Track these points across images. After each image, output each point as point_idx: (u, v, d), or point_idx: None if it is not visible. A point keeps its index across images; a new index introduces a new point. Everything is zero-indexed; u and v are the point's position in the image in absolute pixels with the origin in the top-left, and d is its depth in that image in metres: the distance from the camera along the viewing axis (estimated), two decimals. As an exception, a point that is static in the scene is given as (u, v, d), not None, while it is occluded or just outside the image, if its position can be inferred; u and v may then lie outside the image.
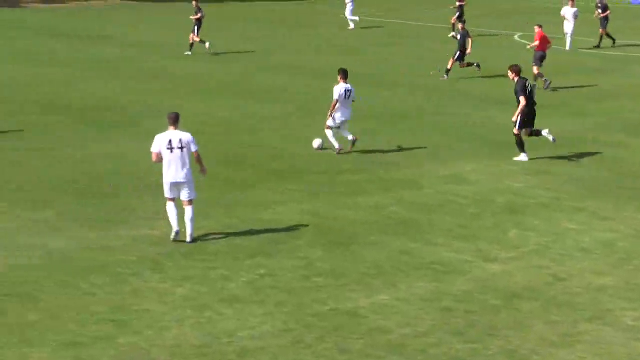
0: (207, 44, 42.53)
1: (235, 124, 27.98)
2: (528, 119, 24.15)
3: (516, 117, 24.08)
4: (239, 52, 43.81)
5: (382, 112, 30.16)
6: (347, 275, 16.00)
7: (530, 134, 24.45)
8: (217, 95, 32.60)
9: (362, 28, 54.41)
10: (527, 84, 24.20)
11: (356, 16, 55.27)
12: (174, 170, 17.49)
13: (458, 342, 13.44)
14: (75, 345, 13.08)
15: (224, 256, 16.83)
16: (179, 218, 17.61)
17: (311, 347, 13.22)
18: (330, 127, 24.75)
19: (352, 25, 54.90)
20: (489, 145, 26.06)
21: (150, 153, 17.67)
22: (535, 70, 34.88)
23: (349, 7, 55.38)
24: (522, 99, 23.90)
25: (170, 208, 17.67)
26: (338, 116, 24.59)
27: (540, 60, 35.30)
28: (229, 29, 54.22)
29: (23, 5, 67.64)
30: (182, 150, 17.44)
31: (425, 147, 25.52)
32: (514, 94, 24.26)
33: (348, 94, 24.50)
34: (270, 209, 19.73)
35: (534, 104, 24.25)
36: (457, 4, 51.73)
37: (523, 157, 24.36)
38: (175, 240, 17.48)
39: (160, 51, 43.86)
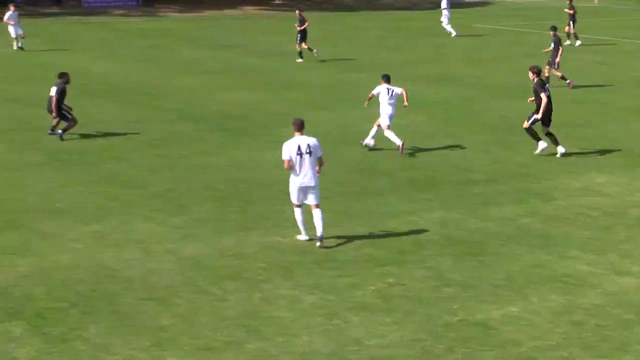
0: (315, 51, 43.28)
1: (366, 133, 28.04)
2: (548, 117, 25.10)
3: (541, 115, 24.79)
4: (373, 61, 43.92)
5: (516, 124, 29.88)
6: (477, 286, 15.91)
7: (547, 134, 25.25)
8: (348, 105, 32.71)
9: (488, 36, 53.98)
10: (546, 84, 25.20)
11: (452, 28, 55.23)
12: (302, 175, 17.74)
13: (589, 356, 13.24)
14: (207, 350, 13.31)
15: (354, 264, 16.91)
16: (308, 225, 17.82)
17: (440, 357, 13.19)
18: (388, 127, 25.64)
19: (453, 33, 54.78)
20: (623, 155, 25.58)
21: (282, 161, 17.91)
22: None
23: (445, 15, 55.29)
24: (544, 96, 24.76)
25: (299, 214, 17.96)
26: (387, 117, 25.72)
27: None
28: (366, 37, 54.47)
29: (160, 14, 69.06)
30: (310, 155, 17.71)
31: (558, 158, 25.18)
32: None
33: (391, 92, 25.68)
34: (400, 218, 19.74)
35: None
36: (568, 12, 51.05)
37: (542, 144, 25.26)
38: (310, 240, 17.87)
39: (293, 60, 44.27)
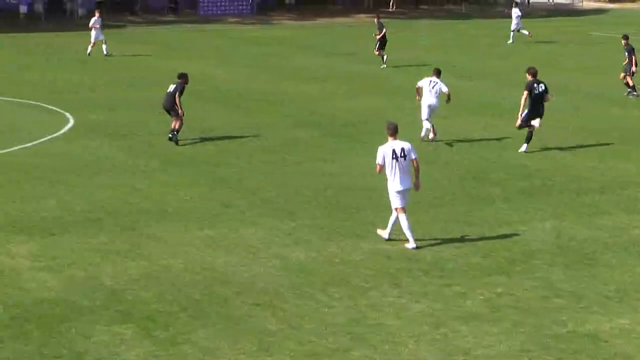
0: (384, 59, 43.38)
1: (476, 140, 27.86)
2: (532, 115, 26.29)
3: (521, 111, 26.33)
4: (483, 69, 43.61)
5: (630, 132, 29.36)
6: (588, 297, 15.65)
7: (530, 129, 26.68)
8: (462, 112, 32.50)
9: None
10: (535, 85, 26.42)
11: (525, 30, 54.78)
12: (399, 179, 17.88)
13: (703, 371, 12.93)
14: (312, 356, 13.35)
15: (461, 273, 16.79)
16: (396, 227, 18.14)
17: (547, 369, 13.02)
18: (426, 119, 27.70)
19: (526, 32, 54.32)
20: None
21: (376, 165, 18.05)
22: None
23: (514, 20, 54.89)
24: (525, 93, 26.22)
25: (403, 219, 18.01)
26: (426, 106, 27.67)
27: None
28: (477, 45, 54.13)
29: (274, 22, 69.60)
30: (405, 159, 17.86)
31: (675, 168, 24.67)
32: None
33: (433, 84, 27.74)
34: (511, 227, 19.54)
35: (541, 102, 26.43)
36: None
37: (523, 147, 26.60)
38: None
39: (405, 68, 44.20)
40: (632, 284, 16.25)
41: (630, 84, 35.59)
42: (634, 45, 36.88)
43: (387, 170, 18.01)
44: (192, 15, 71.63)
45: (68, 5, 68.99)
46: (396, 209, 18.13)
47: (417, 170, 18.15)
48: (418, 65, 44.23)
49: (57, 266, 17.06)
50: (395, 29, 62.56)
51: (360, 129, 29.83)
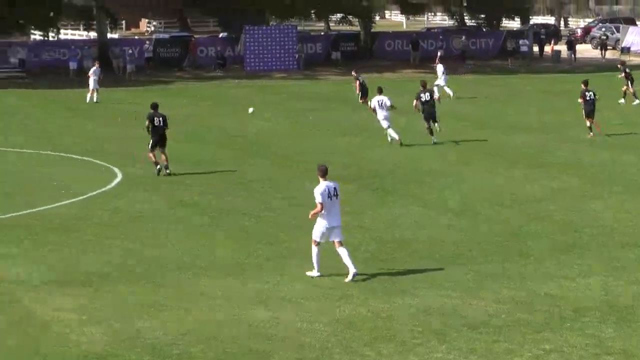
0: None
1: (521, 195, 27.65)
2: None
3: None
4: (532, 123, 43.46)
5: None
6: (639, 356, 15.40)
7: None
8: (505, 165, 32.33)
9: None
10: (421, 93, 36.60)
11: None
12: (331, 216, 19.43)
13: None
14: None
15: (509, 329, 16.59)
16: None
17: None
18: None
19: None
20: None
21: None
22: None
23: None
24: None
25: (316, 252, 19.62)
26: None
27: None
28: (526, 99, 53.97)
29: (320, 77, 69.92)
30: (337, 197, 19.48)
31: None
32: None
33: (380, 103, 35.91)
34: (555, 282, 19.31)
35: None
36: None
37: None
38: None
39: (446, 120, 44.19)
40: (683, 341, 15.97)
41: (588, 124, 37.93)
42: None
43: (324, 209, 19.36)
44: (239, 71, 72.11)
45: (116, 62, 69.77)
46: (315, 241, 19.52)
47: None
48: (458, 119, 44.16)
49: (102, 320, 17.09)
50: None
51: (397, 179, 29.77)
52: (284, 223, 24.49)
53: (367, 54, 78.80)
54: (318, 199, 19.31)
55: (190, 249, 22.06)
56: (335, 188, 19.46)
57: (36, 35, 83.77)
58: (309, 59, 74.83)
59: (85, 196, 27.79)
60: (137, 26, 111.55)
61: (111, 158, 33.95)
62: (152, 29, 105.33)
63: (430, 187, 28.78)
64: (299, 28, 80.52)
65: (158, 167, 30.59)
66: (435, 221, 24.53)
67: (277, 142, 38.64)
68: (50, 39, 76.94)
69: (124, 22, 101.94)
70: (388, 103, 35.78)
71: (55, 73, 68.36)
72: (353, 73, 52.64)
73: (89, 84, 53.45)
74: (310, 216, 19.74)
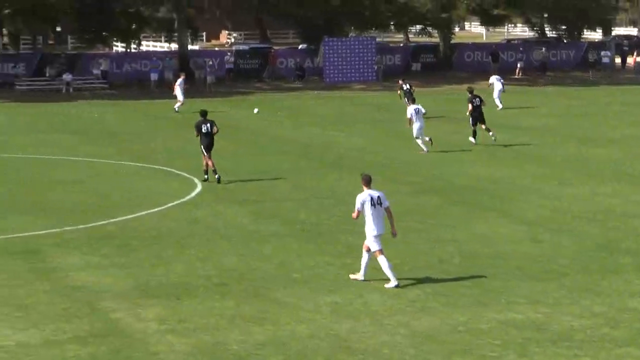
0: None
1: (608, 210, 27.33)
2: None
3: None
4: (613, 136, 42.97)
5: None
6: None
7: None
8: (593, 180, 31.97)
9: None
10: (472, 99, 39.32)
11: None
12: (377, 224, 19.94)
13: None
14: None
15: (591, 344, 16.40)
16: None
17: None
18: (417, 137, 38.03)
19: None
20: None
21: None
22: None
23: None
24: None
25: (384, 260, 19.93)
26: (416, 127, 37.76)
27: None
28: (606, 112, 53.41)
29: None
30: (381, 206, 19.97)
31: None
32: None
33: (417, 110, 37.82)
34: (641, 298, 19.10)
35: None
36: None
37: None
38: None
39: (537, 136, 43.84)
40: None
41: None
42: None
43: (366, 217, 19.92)
44: (318, 82, 72.38)
45: (197, 73, 70.48)
46: (376, 251, 19.87)
47: (390, 215, 20.15)
48: (542, 131, 43.83)
49: (184, 330, 17.25)
50: (521, 96, 62.22)
51: (489, 196, 29.56)
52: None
53: (446, 65, 78.62)
54: (358, 206, 19.99)
55: (274, 260, 22.14)
56: (379, 197, 19.97)
57: (118, 47, 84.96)
58: (387, 70, 74.81)
59: (165, 206, 28.09)
60: (217, 38, 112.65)
61: (191, 169, 34.27)
62: (232, 40, 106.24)
63: (519, 202, 28.50)
64: (377, 39, 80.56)
65: (206, 177, 32.01)
66: (526, 236, 24.29)
67: (357, 154, 38.66)
68: (132, 50, 77.91)
69: (204, 33, 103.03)
70: (423, 111, 38.23)
71: (137, 84, 69.33)
72: (399, 82, 51.90)
73: (175, 95, 54.54)
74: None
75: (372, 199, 19.88)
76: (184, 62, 72.14)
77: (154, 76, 69.17)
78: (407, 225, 25.51)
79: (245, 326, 17.46)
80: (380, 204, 19.93)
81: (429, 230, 25.03)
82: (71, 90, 66.67)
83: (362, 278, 20.16)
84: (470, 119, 40.27)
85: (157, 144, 42.14)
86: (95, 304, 18.91)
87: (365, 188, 20.11)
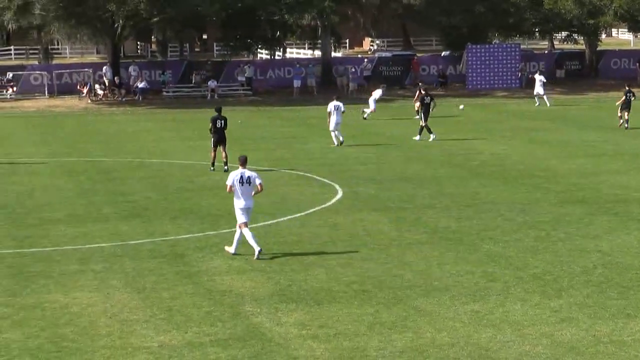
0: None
1: None
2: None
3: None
4: None
5: None
6: None
7: None
8: None
9: None
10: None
11: None
12: (244, 199, 22.88)
13: None
14: None
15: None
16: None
17: None
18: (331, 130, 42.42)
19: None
20: None
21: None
22: None
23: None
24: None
25: (247, 232, 22.85)
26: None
27: None
28: None
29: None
30: (249, 184, 22.87)
31: None
32: None
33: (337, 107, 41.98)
34: None
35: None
36: None
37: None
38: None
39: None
40: None
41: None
42: None
43: (235, 192, 22.85)
44: (461, 89, 72.02)
45: (340, 80, 70.91)
46: (241, 224, 22.76)
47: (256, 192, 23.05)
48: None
49: (324, 335, 17.34)
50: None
51: (630, 205, 28.90)
52: (514, 246, 24.13)
53: (592, 72, 77.27)
54: (228, 181, 22.89)
55: (415, 268, 22.07)
56: (249, 177, 22.77)
57: (262, 55, 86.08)
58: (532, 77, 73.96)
59: (306, 212, 28.30)
60: (360, 45, 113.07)
61: (332, 175, 34.42)
62: (375, 47, 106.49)
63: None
64: (522, 46, 79.70)
65: (212, 168, 35.66)
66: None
67: (499, 161, 38.29)
68: (276, 57, 78.83)
69: (347, 40, 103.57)
70: (342, 109, 42.67)
71: (280, 91, 70.13)
72: (421, 91, 49.93)
73: (369, 104, 54.87)
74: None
75: (241, 177, 22.77)
76: (326, 69, 72.63)
77: (296, 83, 69.89)
78: (550, 234, 25.16)
79: (385, 333, 17.46)
80: (249, 182, 22.76)
81: (573, 240, 24.59)
82: (216, 96, 67.85)
83: (233, 252, 22.98)
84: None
85: (301, 149, 42.50)
86: (237, 307, 19.17)
87: (240, 167, 22.92)
